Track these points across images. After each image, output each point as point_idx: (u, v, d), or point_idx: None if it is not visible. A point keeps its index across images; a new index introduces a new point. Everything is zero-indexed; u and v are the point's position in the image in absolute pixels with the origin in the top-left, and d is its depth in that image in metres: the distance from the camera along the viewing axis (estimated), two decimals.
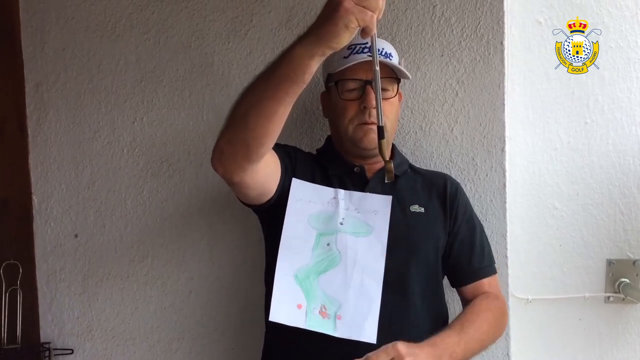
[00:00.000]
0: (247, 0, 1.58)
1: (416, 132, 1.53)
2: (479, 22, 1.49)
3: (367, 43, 1.27)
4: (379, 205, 1.26)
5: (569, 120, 1.62)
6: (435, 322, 1.29)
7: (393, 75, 1.30)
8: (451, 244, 1.32)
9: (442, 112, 1.52)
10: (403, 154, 1.46)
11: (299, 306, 1.18)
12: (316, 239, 1.23)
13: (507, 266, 1.49)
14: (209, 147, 1.59)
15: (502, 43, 1.48)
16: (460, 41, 1.50)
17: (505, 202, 1.49)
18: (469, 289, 1.33)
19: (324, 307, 1.19)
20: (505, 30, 1.48)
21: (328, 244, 1.23)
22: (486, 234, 1.39)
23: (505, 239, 1.50)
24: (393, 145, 1.40)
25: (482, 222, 1.40)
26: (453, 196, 1.34)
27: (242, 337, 1.62)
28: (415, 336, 1.23)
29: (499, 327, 1.31)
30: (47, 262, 1.70)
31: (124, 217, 1.66)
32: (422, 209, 1.30)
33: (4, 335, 1.62)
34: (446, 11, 1.50)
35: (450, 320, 1.33)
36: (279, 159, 1.25)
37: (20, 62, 1.69)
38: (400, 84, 1.33)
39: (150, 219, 1.65)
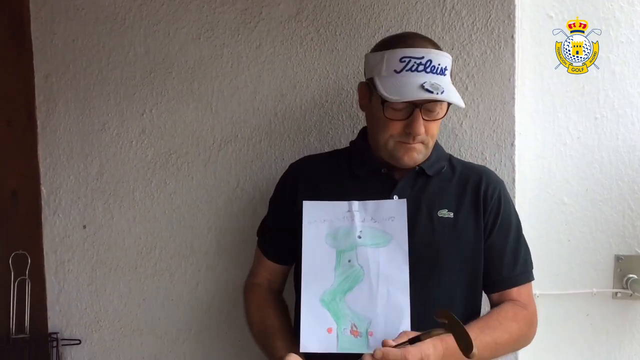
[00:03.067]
0: None
1: None
2: (490, 16, 1.48)
3: (422, 57, 1.17)
4: (394, 211, 1.21)
5: (579, 115, 1.62)
6: None
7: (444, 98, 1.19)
8: (483, 250, 1.27)
9: (451, 105, 1.50)
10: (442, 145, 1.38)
11: (329, 330, 1.16)
12: (337, 257, 1.21)
13: None
14: (218, 140, 1.62)
15: (512, 37, 1.47)
16: (471, 34, 1.49)
17: (514, 196, 1.48)
18: (496, 296, 1.30)
19: (355, 326, 1.16)
20: (516, 24, 1.47)
21: (349, 261, 1.20)
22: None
23: None
24: None
25: None
26: (486, 199, 1.27)
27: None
28: None
29: (524, 338, 1.28)
30: (55, 253, 1.70)
31: (132, 209, 1.66)
32: (451, 214, 1.24)
33: (13, 325, 1.63)
34: (457, 4, 1.49)
35: None
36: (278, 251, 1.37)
37: (30, 53, 1.69)
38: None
39: (159, 211, 1.65)
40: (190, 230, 1.64)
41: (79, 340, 1.69)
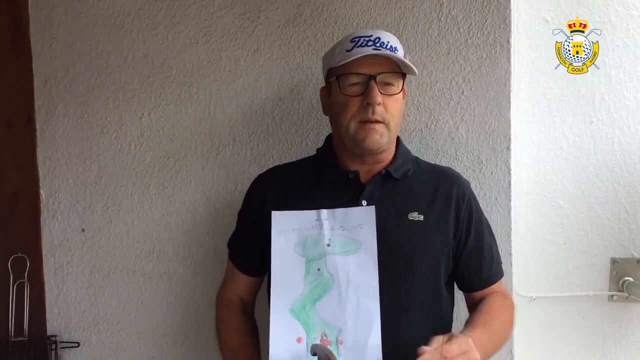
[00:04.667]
0: None
1: (422, 130, 1.53)
2: (486, 20, 1.49)
3: (371, 36, 1.23)
4: (363, 218, 1.20)
5: (574, 119, 1.62)
6: (435, 331, 1.25)
7: (398, 70, 1.24)
8: (460, 253, 1.29)
9: (447, 109, 1.52)
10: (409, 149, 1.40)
11: (299, 340, 1.15)
12: (306, 266, 1.20)
13: (511, 264, 1.49)
14: (216, 143, 1.63)
15: (508, 41, 1.48)
16: (467, 39, 1.50)
17: (510, 200, 1.50)
18: (478, 294, 1.32)
19: (325, 335, 1.15)
20: (512, 29, 1.48)
21: (318, 269, 1.19)
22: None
23: (510, 237, 1.50)
24: (398, 139, 1.33)
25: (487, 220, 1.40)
26: (458, 203, 1.28)
27: None
28: (414, 347, 1.22)
29: (513, 324, 1.32)
30: (54, 256, 1.71)
31: (130, 212, 1.67)
32: (422, 217, 1.24)
33: (12, 327, 1.63)
34: (453, 9, 1.50)
35: (453, 324, 1.33)
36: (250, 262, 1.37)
37: (29, 56, 1.70)
38: (405, 80, 1.28)
39: (157, 214, 1.66)
40: (189, 234, 1.65)
41: (78, 342, 1.70)
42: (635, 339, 1.64)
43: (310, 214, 1.23)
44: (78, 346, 1.70)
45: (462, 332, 1.16)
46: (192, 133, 1.64)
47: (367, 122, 1.21)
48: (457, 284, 1.36)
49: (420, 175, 1.32)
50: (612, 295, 1.63)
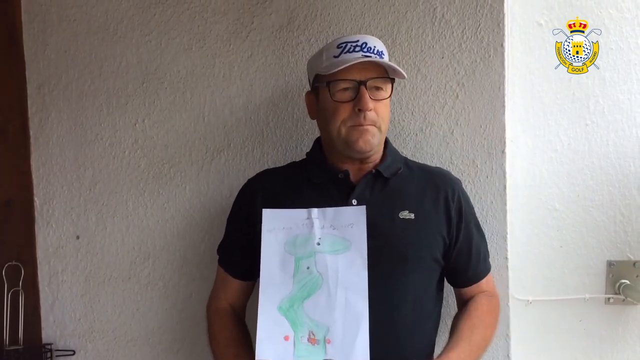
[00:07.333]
0: (248, 3, 1.59)
1: (416, 134, 1.53)
2: (480, 24, 1.49)
3: (357, 41, 1.24)
4: (354, 218, 1.21)
5: (569, 122, 1.63)
6: (426, 328, 1.29)
7: (386, 74, 1.25)
8: (450, 251, 1.30)
9: (442, 114, 1.52)
10: (399, 151, 1.41)
11: (286, 338, 1.15)
12: (295, 264, 1.20)
13: (507, 268, 1.49)
14: (210, 149, 1.62)
15: (502, 45, 1.48)
16: (461, 43, 1.50)
17: (505, 203, 1.49)
18: (467, 290, 1.35)
19: (312, 334, 1.15)
20: (506, 32, 1.48)
21: (308, 268, 1.19)
22: (485, 235, 1.39)
23: (506, 240, 1.50)
24: (386, 141, 1.34)
25: (482, 224, 1.40)
26: (449, 201, 1.29)
27: None
28: (407, 345, 1.22)
29: (496, 327, 1.34)
30: (49, 264, 1.70)
31: (125, 219, 1.67)
32: (412, 215, 1.25)
33: (6, 336, 1.62)
34: (447, 13, 1.51)
35: (441, 320, 1.35)
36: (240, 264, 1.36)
37: (22, 63, 1.69)
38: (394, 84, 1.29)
39: (152, 221, 1.66)
40: (184, 240, 1.64)
41: (73, 350, 1.69)
42: (632, 342, 1.64)
43: (301, 212, 1.23)
44: (73, 354, 1.69)
45: (443, 352, 1.19)
46: (186, 139, 1.63)
47: (359, 126, 1.22)
48: (446, 279, 1.37)
49: (410, 175, 1.33)
50: (609, 298, 1.63)
